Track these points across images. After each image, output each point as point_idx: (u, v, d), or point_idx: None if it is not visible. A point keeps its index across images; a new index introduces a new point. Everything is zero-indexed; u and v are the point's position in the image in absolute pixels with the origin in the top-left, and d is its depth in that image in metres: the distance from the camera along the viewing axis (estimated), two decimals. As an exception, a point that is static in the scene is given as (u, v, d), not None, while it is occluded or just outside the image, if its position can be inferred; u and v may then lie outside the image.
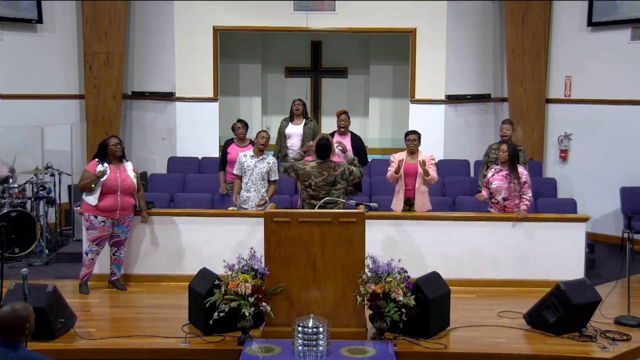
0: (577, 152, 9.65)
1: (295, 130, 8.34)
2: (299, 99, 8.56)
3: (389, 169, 7.38)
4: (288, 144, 8.37)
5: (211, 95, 9.88)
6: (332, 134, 7.75)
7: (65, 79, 9.94)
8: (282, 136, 8.40)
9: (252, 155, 7.32)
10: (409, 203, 7.34)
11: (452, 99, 9.93)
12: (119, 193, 6.71)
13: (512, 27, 9.75)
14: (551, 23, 9.70)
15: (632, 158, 9.06)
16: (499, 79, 10.26)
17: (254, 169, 7.27)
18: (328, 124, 11.04)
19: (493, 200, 7.25)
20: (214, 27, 9.76)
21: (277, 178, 7.38)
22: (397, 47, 10.89)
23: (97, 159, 6.77)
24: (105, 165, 6.71)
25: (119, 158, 6.83)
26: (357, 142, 7.94)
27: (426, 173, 7.12)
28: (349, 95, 11.84)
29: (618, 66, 9.12)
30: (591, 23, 9.30)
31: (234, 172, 7.44)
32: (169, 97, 9.92)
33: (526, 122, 9.84)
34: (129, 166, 6.92)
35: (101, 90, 9.91)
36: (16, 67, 9.41)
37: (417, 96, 9.85)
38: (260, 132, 7.43)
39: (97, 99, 9.93)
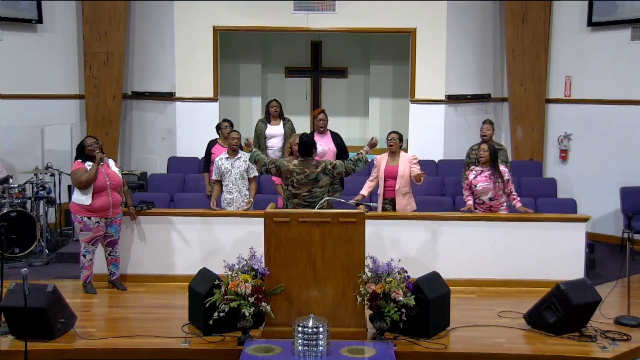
0: (577, 152, 9.65)
1: (276, 131, 8.45)
2: (275, 100, 8.65)
3: (371, 178, 7.42)
4: (269, 144, 8.45)
5: (211, 95, 9.88)
6: (311, 134, 7.73)
7: (65, 79, 9.94)
8: (262, 137, 8.45)
9: (227, 157, 7.35)
10: (391, 203, 7.35)
11: (452, 99, 9.93)
12: (108, 190, 6.70)
13: (512, 27, 9.75)
14: (551, 23, 9.71)
15: (632, 158, 9.06)
16: (499, 79, 10.26)
17: (232, 169, 7.29)
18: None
19: (477, 201, 7.24)
20: (214, 27, 9.76)
21: (257, 174, 7.42)
22: (397, 47, 10.88)
23: (79, 160, 6.74)
24: (90, 163, 6.68)
25: None
26: (338, 139, 7.94)
27: (417, 179, 7.15)
28: (349, 95, 11.83)
29: (618, 66, 9.12)
30: (591, 23, 9.30)
31: (213, 177, 7.47)
32: (169, 97, 9.92)
33: (526, 122, 9.85)
34: (111, 163, 6.90)
35: (101, 90, 9.92)
36: (16, 67, 9.42)
37: (417, 96, 9.85)
38: (231, 132, 7.50)
39: (97, 99, 9.94)
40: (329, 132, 7.94)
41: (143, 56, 10.10)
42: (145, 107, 10.25)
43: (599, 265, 8.10)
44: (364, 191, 7.39)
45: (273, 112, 8.48)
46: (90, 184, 6.60)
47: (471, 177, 7.23)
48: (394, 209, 7.31)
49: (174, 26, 9.74)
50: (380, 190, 7.38)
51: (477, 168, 7.22)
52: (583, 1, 9.35)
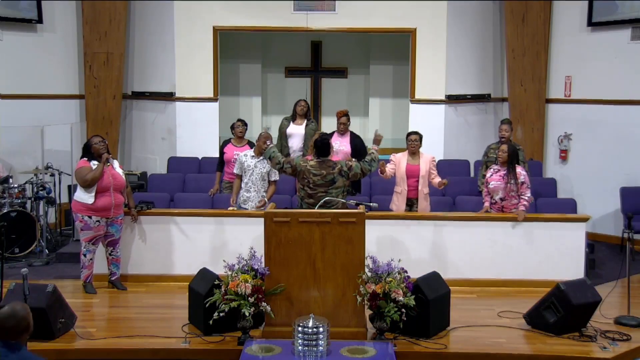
0: (577, 152, 9.65)
1: (297, 131, 8.33)
2: (304, 100, 8.59)
3: (388, 165, 7.37)
4: (289, 144, 8.35)
5: (211, 95, 9.88)
6: (332, 134, 7.76)
7: (65, 79, 9.94)
8: (284, 135, 8.39)
9: (253, 156, 7.32)
10: (409, 203, 7.36)
11: (452, 99, 9.93)
12: (111, 191, 6.70)
13: (512, 27, 9.75)
14: (551, 23, 9.71)
15: (632, 158, 9.06)
16: (499, 79, 10.26)
17: (254, 169, 7.27)
18: (328, 124, 11.03)
19: (492, 200, 7.25)
20: (214, 27, 9.76)
21: (278, 178, 7.38)
22: (397, 47, 10.88)
23: (85, 158, 6.74)
24: (95, 162, 6.69)
25: None
26: (357, 141, 7.93)
27: (441, 186, 7.19)
28: (349, 95, 11.84)
29: (618, 66, 9.12)
30: (591, 23, 9.30)
31: (234, 171, 7.44)
32: (169, 97, 9.92)
33: (526, 122, 9.85)
34: (115, 163, 6.92)
35: (101, 90, 9.92)
36: (16, 67, 9.42)
37: (417, 96, 9.86)
38: (262, 133, 7.42)
39: (97, 99, 9.94)
40: (349, 133, 7.94)
41: (143, 56, 10.10)
42: (145, 107, 10.25)
43: (599, 265, 8.10)
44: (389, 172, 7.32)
45: (300, 111, 8.36)
46: (94, 183, 6.60)
47: (488, 174, 7.26)
48: (411, 209, 7.32)
49: (174, 26, 9.74)
50: (403, 189, 7.32)
51: (496, 167, 7.24)
52: (583, 1, 9.35)
